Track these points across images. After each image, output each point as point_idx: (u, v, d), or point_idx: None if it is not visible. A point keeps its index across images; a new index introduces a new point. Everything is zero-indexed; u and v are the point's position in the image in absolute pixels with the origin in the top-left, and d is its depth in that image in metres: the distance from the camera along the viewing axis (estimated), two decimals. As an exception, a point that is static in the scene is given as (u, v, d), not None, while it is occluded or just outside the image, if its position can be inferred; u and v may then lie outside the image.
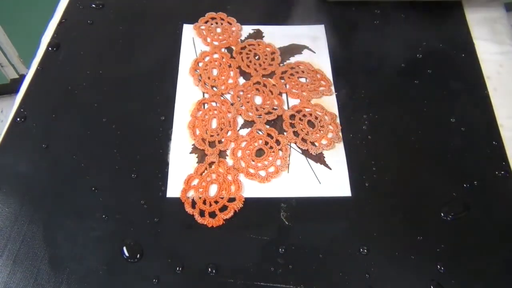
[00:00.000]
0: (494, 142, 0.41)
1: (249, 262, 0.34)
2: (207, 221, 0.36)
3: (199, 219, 0.36)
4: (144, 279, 0.33)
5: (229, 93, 0.45)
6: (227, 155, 0.40)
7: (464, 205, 0.37)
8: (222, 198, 0.37)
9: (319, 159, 0.40)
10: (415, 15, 0.51)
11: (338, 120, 0.43)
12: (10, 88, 1.14)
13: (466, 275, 0.34)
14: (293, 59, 0.48)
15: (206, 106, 0.44)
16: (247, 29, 0.51)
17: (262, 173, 0.39)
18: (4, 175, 0.39)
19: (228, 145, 0.41)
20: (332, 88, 0.45)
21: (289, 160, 0.40)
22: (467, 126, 0.42)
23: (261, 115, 0.43)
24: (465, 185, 0.38)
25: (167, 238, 0.35)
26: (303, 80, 0.46)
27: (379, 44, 0.49)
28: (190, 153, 0.40)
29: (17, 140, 0.41)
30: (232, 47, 0.49)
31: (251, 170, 0.39)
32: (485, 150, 0.41)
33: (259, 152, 0.41)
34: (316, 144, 0.41)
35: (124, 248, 0.35)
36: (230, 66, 0.47)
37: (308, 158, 0.40)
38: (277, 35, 0.50)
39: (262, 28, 0.51)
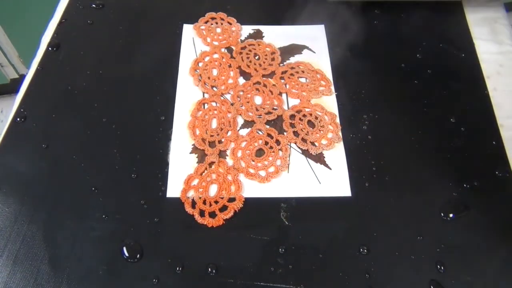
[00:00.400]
0: (494, 142, 0.41)
1: (249, 262, 0.34)
2: (207, 221, 0.36)
3: (199, 219, 0.36)
4: (144, 279, 0.33)
5: (229, 93, 0.45)
6: (227, 155, 0.40)
7: (464, 205, 0.37)
8: (222, 198, 0.37)
9: (319, 159, 0.40)
10: (415, 15, 0.51)
11: (338, 120, 0.43)
12: (10, 88, 1.14)
13: (466, 275, 0.34)
14: (293, 59, 0.48)
15: (206, 106, 0.44)
16: (247, 29, 0.51)
17: (262, 173, 0.39)
18: (4, 175, 0.39)
19: (228, 145, 0.41)
20: (332, 88, 0.45)
21: (289, 160, 0.40)
22: (467, 126, 0.42)
23: (261, 115, 0.43)
24: (465, 185, 0.38)
25: (167, 238, 0.35)
26: (303, 80, 0.46)
27: (379, 44, 0.49)
28: (190, 153, 0.40)
29: (17, 140, 0.41)
30: (232, 47, 0.49)
31: (251, 170, 0.39)
32: (485, 150, 0.41)
33: (259, 152, 0.41)
34: (316, 144, 0.41)
35: (124, 248, 0.35)
36: (230, 66, 0.47)
37: (308, 158, 0.40)
38: (277, 35, 0.50)
39: (262, 28, 0.51)
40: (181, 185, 0.38)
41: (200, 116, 0.43)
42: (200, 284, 0.33)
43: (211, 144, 0.41)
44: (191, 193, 0.38)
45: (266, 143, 0.41)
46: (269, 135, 0.41)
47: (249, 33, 0.50)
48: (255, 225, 0.36)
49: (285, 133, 0.42)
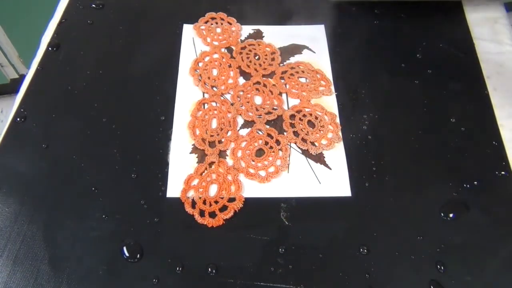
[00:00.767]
0: (494, 142, 0.41)
1: (249, 262, 0.34)
2: (207, 221, 0.36)
3: (199, 219, 0.36)
4: (144, 279, 0.33)
5: (229, 93, 0.45)
6: (227, 155, 0.40)
7: (464, 205, 0.37)
8: (222, 198, 0.37)
9: (319, 159, 0.40)
10: (415, 15, 0.51)
11: (338, 120, 0.43)
12: (10, 88, 1.14)
13: (466, 275, 0.34)
14: (293, 59, 0.48)
15: (206, 106, 0.44)
16: (247, 29, 0.51)
17: (262, 173, 0.39)
18: (4, 175, 0.39)
19: (228, 145, 0.41)
20: (332, 88, 0.45)
21: (289, 160, 0.40)
22: (467, 126, 0.42)
23: (261, 115, 0.43)
24: (465, 185, 0.38)
25: (167, 238, 0.35)
26: (303, 80, 0.46)
27: (379, 44, 0.49)
28: (190, 153, 0.40)
29: (17, 140, 0.41)
30: (232, 47, 0.49)
31: (251, 170, 0.39)
32: (485, 150, 0.41)
33: (259, 152, 0.41)
34: (316, 144, 0.41)
35: (124, 248, 0.35)
36: (230, 66, 0.47)
37: (308, 158, 0.40)
38: (277, 35, 0.50)
39: (262, 28, 0.51)
40: (181, 185, 0.38)
41: (200, 116, 0.43)
42: (200, 284, 0.33)
43: (211, 144, 0.41)
44: (191, 193, 0.38)
45: (266, 143, 0.41)
46: (269, 135, 0.41)
47: (249, 33, 0.50)
48: (255, 225, 0.36)
49: (285, 133, 0.42)
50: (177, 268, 0.34)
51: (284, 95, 0.45)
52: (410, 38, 0.49)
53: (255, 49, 0.48)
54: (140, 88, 0.45)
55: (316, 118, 0.43)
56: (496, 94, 0.45)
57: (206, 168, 0.39)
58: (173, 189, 0.38)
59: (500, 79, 0.46)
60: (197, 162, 0.40)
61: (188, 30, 0.50)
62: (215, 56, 0.48)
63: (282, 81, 0.46)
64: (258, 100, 0.44)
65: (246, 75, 0.47)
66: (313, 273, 0.34)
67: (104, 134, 0.41)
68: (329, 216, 0.37)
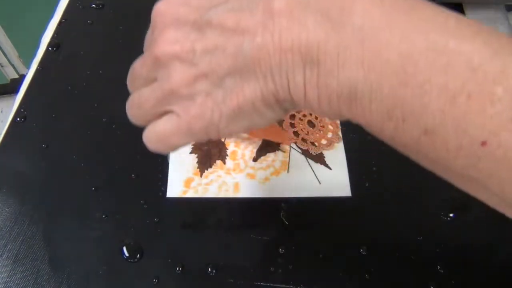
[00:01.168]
0: (494, 142, 0.41)
1: (249, 262, 0.34)
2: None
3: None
4: (144, 279, 0.33)
5: (229, 93, 0.45)
6: (227, 155, 0.40)
7: (464, 205, 0.37)
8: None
9: (319, 159, 0.40)
10: (415, 15, 0.51)
11: (338, 120, 0.43)
12: (10, 88, 1.14)
13: (466, 275, 0.34)
14: (293, 59, 0.48)
15: (206, 106, 0.44)
16: (247, 29, 0.51)
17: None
18: (4, 175, 0.39)
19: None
20: (332, 88, 0.45)
21: (289, 160, 0.40)
22: (467, 126, 0.42)
23: (261, 115, 0.43)
24: (465, 185, 0.38)
25: (167, 238, 0.35)
26: (303, 80, 0.46)
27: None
28: (190, 153, 0.40)
29: (17, 140, 0.41)
30: (232, 47, 0.49)
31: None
32: (485, 150, 0.41)
33: (259, 152, 0.41)
34: (316, 144, 0.41)
35: (124, 248, 0.35)
36: (230, 66, 0.47)
37: (308, 158, 0.40)
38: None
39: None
40: (181, 185, 0.38)
41: (200, 116, 0.43)
42: (200, 284, 0.33)
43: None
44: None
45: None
46: (269, 135, 0.42)
47: (249, 33, 0.50)
48: (255, 225, 0.36)
49: (285, 133, 0.42)
50: (177, 268, 0.34)
51: (284, 95, 0.45)
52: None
53: (255, 49, 0.48)
54: (140, 88, 0.45)
55: (316, 118, 0.43)
56: (496, 94, 0.44)
57: (206, 168, 0.39)
58: (173, 189, 0.38)
59: (500, 79, 0.46)
60: (197, 162, 0.40)
61: (188, 30, 0.50)
62: (215, 56, 0.48)
63: (282, 81, 0.46)
64: (258, 100, 0.44)
65: (246, 75, 0.46)
66: (313, 273, 0.34)
67: (104, 134, 0.41)
68: (329, 216, 0.37)
